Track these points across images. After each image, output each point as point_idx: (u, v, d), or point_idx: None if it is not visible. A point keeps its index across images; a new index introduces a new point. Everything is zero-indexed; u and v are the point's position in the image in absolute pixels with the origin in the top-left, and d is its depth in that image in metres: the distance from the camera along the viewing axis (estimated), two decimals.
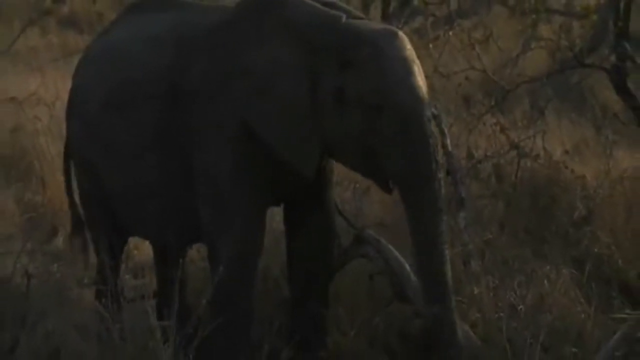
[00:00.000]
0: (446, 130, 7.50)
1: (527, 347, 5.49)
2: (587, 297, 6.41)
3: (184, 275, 6.51)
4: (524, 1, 11.81)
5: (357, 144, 5.70)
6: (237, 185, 5.90)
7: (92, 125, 6.40)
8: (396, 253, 6.39)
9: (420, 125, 5.58)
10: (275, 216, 6.30)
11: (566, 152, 8.23)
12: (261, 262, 6.17)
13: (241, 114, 5.81)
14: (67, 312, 6.05)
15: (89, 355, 5.68)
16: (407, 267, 6.31)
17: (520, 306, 6.14)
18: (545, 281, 6.41)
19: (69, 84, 6.86)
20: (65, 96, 6.95)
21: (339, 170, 6.48)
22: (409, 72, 5.61)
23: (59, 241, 8.26)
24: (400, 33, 5.76)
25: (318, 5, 5.84)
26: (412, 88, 5.59)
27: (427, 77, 8.26)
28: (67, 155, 6.87)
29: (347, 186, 7.39)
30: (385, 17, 15.74)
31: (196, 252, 7.03)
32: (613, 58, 7.06)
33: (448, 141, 7.46)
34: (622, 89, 6.98)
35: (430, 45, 9.84)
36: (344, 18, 5.73)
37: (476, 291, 6.36)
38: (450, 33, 10.07)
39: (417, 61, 5.69)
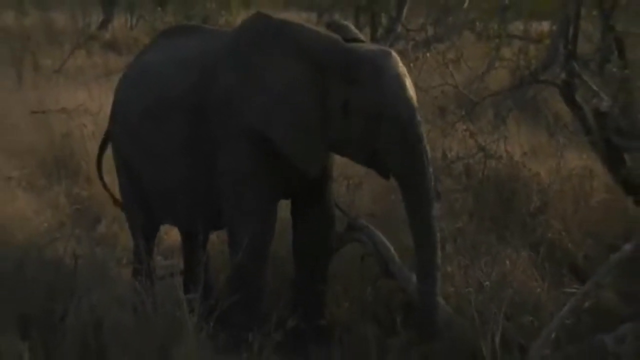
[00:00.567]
0: (425, 136, 7.49)
1: (492, 317, 5.46)
2: (542, 275, 6.39)
3: (206, 257, 6.49)
4: (489, 28, 11.78)
5: (361, 146, 5.77)
6: (254, 183, 5.92)
7: (132, 132, 6.39)
8: (383, 238, 6.41)
9: (413, 130, 5.66)
10: (282, 206, 6.27)
11: (524, 153, 8.19)
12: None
13: (259, 124, 5.81)
14: (108, 288, 6.03)
15: (126, 324, 5.66)
16: (392, 249, 6.32)
17: (486, 282, 6.11)
18: (507, 262, 6.38)
19: (110, 97, 6.85)
20: (107, 108, 6.94)
21: (334, 168, 6.46)
22: (402, 86, 5.69)
23: (102, 228, 8.26)
24: (394, 53, 5.82)
25: (322, 30, 5.89)
26: (406, 99, 5.68)
27: None
28: (102, 148, 6.89)
29: (341, 182, 7.36)
30: (373, 41, 15.75)
31: (216, 238, 7.00)
32: (563, 75, 7.03)
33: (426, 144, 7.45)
34: (571, 102, 6.96)
35: (411, 65, 9.78)
36: (346, 42, 5.77)
37: (449, 270, 6.35)
38: (428, 54, 10.05)
39: (408, 76, 5.77)
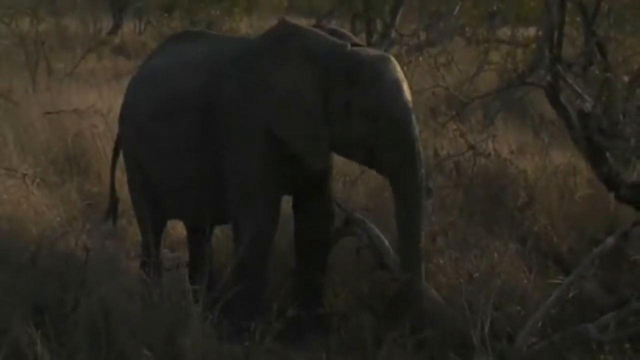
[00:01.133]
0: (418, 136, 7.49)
1: (481, 307, 5.45)
2: (529, 267, 6.40)
3: (211, 250, 6.48)
4: (478, 33, 11.75)
5: (360, 145, 5.79)
6: (260, 180, 5.92)
7: (142, 132, 6.38)
8: (378, 231, 6.40)
9: (408, 131, 5.71)
10: (283, 201, 6.26)
11: (512, 152, 8.18)
12: None
13: (266, 122, 5.82)
14: (117, 279, 6.01)
15: (134, 313, 5.65)
16: (386, 242, 6.32)
17: (476, 274, 6.11)
18: (496, 254, 6.38)
19: (120, 99, 6.83)
20: (117, 109, 6.93)
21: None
22: (400, 90, 5.73)
23: (111, 223, 8.22)
24: (392, 58, 5.86)
25: (327, 35, 5.90)
26: (403, 102, 5.72)
27: None
28: (116, 154, 6.86)
29: (338, 179, 7.35)
30: (369, 45, 15.72)
31: (220, 232, 6.98)
32: (549, 78, 7.01)
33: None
34: (556, 103, 6.93)
35: (405, 68, 9.78)
36: (348, 46, 5.78)
37: (441, 262, 6.35)
38: (420, 58, 10.03)
39: (405, 80, 5.80)
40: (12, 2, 15.34)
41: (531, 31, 11.55)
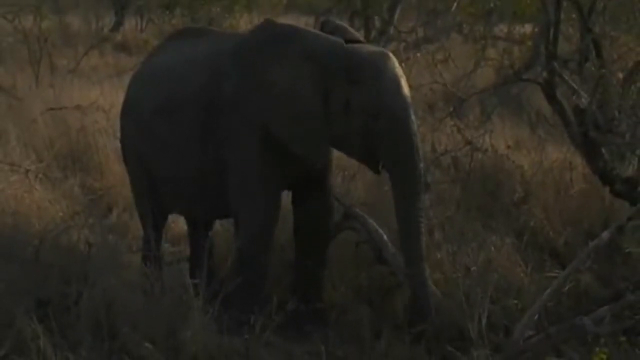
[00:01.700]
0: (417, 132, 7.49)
1: (478, 300, 5.45)
2: (525, 261, 6.39)
3: (211, 244, 6.47)
4: (475, 30, 11.75)
5: (359, 141, 5.78)
6: (260, 175, 5.91)
7: (144, 128, 6.37)
8: (376, 226, 6.38)
9: (408, 127, 5.69)
10: (282, 196, 6.26)
11: (508, 147, 8.17)
12: None
13: (264, 118, 5.81)
14: (119, 273, 6.02)
15: (136, 306, 5.64)
16: (385, 237, 6.31)
17: (473, 268, 6.11)
18: (492, 248, 6.39)
19: (121, 95, 6.82)
20: (119, 105, 6.92)
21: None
22: (399, 86, 5.72)
23: (114, 217, 8.24)
24: (391, 55, 5.84)
25: (325, 34, 5.89)
26: (402, 99, 5.71)
27: None
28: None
29: (337, 173, 7.34)
30: (367, 42, 15.71)
31: (220, 226, 6.98)
32: (545, 74, 7.01)
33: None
34: (551, 99, 6.94)
35: (403, 64, 9.78)
36: (348, 44, 5.79)
37: (439, 256, 6.34)
38: (418, 55, 10.04)
39: (403, 75, 5.79)
40: (16, 0, 15.33)
41: (527, 28, 11.56)
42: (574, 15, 7.61)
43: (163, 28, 17.15)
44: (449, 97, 9.17)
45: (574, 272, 5.82)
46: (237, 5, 17.29)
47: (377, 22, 16.23)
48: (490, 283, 5.59)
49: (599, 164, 6.79)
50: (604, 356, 5.17)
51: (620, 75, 7.19)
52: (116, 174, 8.75)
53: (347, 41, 5.86)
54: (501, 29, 12.53)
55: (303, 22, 16.30)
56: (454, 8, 13.17)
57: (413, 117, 5.74)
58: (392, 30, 15.24)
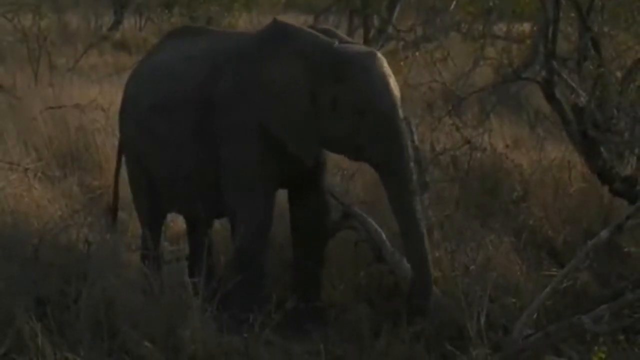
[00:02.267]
0: (414, 129, 7.47)
1: (477, 298, 5.45)
2: (524, 259, 6.40)
3: (210, 243, 6.47)
4: (474, 29, 11.75)
5: (347, 139, 5.77)
6: (254, 172, 5.92)
7: (141, 125, 6.38)
8: (375, 225, 6.39)
9: (396, 125, 5.69)
10: (280, 194, 6.26)
11: (507, 146, 8.19)
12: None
13: (259, 116, 5.83)
14: (119, 272, 6.01)
15: (135, 305, 5.64)
16: (384, 235, 6.31)
17: (472, 266, 6.12)
18: (491, 247, 6.38)
19: (120, 94, 6.82)
20: (118, 103, 6.92)
21: (330, 160, 6.44)
22: (386, 85, 5.71)
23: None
24: (379, 54, 5.85)
25: (318, 34, 5.90)
26: (390, 97, 5.70)
27: (399, 87, 8.25)
28: (121, 149, 6.85)
29: (336, 172, 7.35)
30: (366, 41, 15.72)
31: (219, 225, 6.97)
32: (544, 73, 7.01)
33: (415, 138, 7.42)
34: (550, 97, 6.94)
35: (402, 63, 9.83)
36: (336, 43, 5.79)
37: (437, 255, 6.33)
38: (417, 54, 10.05)
39: (392, 75, 5.78)
40: None
41: (526, 27, 11.56)
42: (572, 14, 7.60)
43: (162, 27, 17.14)
44: (448, 95, 9.18)
45: (572, 271, 5.82)
46: (236, 4, 17.28)
47: (376, 21, 16.23)
48: (489, 282, 5.59)
49: (597, 163, 6.79)
50: (603, 355, 5.17)
51: (619, 74, 7.20)
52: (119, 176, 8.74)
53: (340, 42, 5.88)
54: (500, 27, 12.53)
55: (302, 21, 16.32)
56: (452, 7, 13.17)
57: (401, 114, 5.73)
58: (391, 29, 15.24)
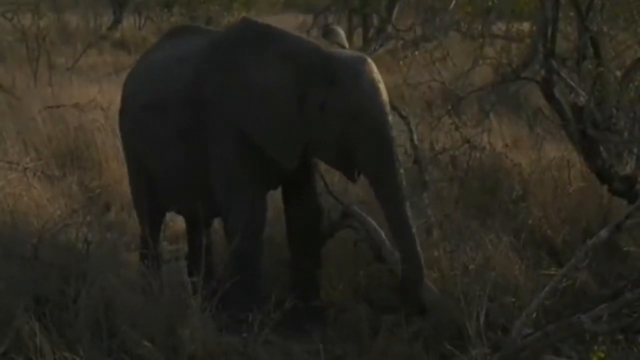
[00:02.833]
0: (414, 129, 7.51)
1: (476, 298, 5.44)
2: (523, 259, 6.38)
3: (209, 242, 6.48)
4: (473, 28, 11.74)
5: (334, 144, 5.74)
6: (241, 173, 5.93)
7: (136, 124, 6.42)
8: (375, 224, 6.39)
9: (385, 132, 5.66)
10: (277, 195, 6.26)
11: (506, 145, 8.19)
12: (267, 231, 6.15)
13: (241, 118, 5.83)
14: (118, 271, 6.01)
15: (135, 304, 5.64)
16: (383, 234, 6.30)
17: (471, 266, 6.11)
18: (490, 246, 6.38)
19: (119, 93, 6.83)
20: (117, 103, 6.93)
21: None
22: (376, 90, 5.68)
23: (112, 215, 8.25)
24: (369, 59, 5.81)
25: (304, 36, 5.95)
26: (379, 103, 5.67)
27: (398, 87, 8.27)
28: None
29: (335, 172, 7.31)
30: (365, 40, 15.75)
31: (218, 224, 6.97)
32: (543, 72, 7.00)
33: (415, 137, 7.46)
34: (550, 97, 6.93)
35: (401, 62, 9.82)
36: (326, 47, 5.78)
37: (436, 254, 6.33)
38: (417, 53, 10.04)
39: (381, 80, 5.75)
40: None
41: (526, 26, 11.55)
42: (572, 13, 7.59)
43: (161, 26, 17.16)
44: (447, 95, 9.18)
45: (572, 271, 5.81)
46: (235, 4, 17.30)
47: (375, 20, 16.25)
48: (488, 281, 5.58)
49: (597, 162, 6.78)
50: (602, 354, 5.17)
51: (618, 73, 7.19)
52: (114, 172, 8.75)
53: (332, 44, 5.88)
54: (499, 27, 12.52)
55: (301, 20, 16.33)
56: (452, 6, 13.17)
57: (390, 121, 5.71)
58: (390, 29, 15.27)
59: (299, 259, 6.25)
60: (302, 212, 6.22)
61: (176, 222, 7.59)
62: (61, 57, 15.30)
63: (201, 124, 5.99)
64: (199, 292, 5.52)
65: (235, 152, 5.90)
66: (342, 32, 6.18)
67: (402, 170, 5.73)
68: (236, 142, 5.88)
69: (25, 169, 8.01)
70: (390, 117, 5.73)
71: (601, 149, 6.82)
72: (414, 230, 5.76)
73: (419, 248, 5.75)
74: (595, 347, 5.24)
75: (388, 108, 5.72)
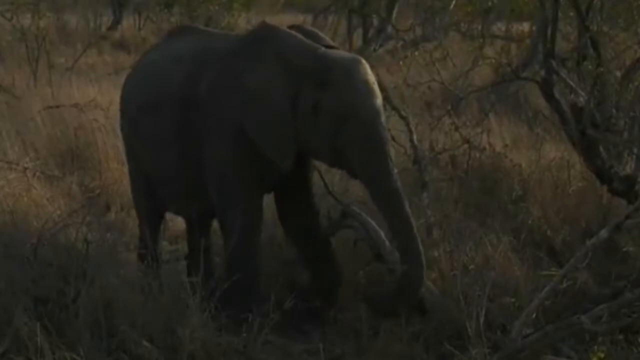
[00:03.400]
0: (413, 129, 7.50)
1: (476, 298, 5.44)
2: (523, 259, 6.39)
3: (209, 242, 6.47)
4: (473, 29, 11.77)
5: (328, 145, 5.72)
6: (236, 175, 5.91)
7: (135, 124, 6.42)
8: (374, 224, 6.37)
9: (377, 131, 5.64)
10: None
11: (506, 145, 8.18)
12: (267, 231, 6.15)
13: (237, 119, 5.81)
14: (117, 271, 6.00)
15: (134, 304, 5.63)
16: (383, 234, 6.29)
17: (471, 266, 6.12)
18: (490, 246, 6.38)
19: (119, 93, 6.83)
20: (116, 103, 6.94)
21: None
22: (370, 92, 5.67)
23: (112, 215, 8.25)
24: (363, 60, 5.80)
25: (302, 37, 5.87)
26: (372, 104, 5.66)
27: (398, 87, 8.27)
28: None
29: (335, 172, 7.32)
30: (365, 41, 15.76)
31: (217, 224, 6.98)
32: (542, 72, 7.01)
33: (415, 137, 7.45)
34: (549, 97, 6.94)
35: (401, 63, 9.82)
36: (321, 48, 5.77)
37: (436, 254, 6.33)
38: (416, 53, 10.03)
39: (375, 82, 5.74)
40: None
41: (525, 26, 11.58)
42: (571, 14, 7.60)
43: (161, 26, 17.15)
44: (446, 95, 9.18)
45: (571, 271, 5.81)
46: (235, 4, 17.29)
47: (375, 20, 16.26)
48: (488, 281, 5.58)
49: (596, 162, 6.79)
50: (602, 354, 5.17)
51: (618, 74, 7.19)
52: (114, 172, 8.75)
53: (325, 47, 5.85)
54: (499, 27, 12.56)
55: (301, 20, 16.32)
56: (451, 6, 13.19)
57: (383, 122, 5.70)
58: (390, 29, 15.27)
59: (308, 258, 6.26)
60: (297, 215, 6.20)
61: (176, 222, 7.59)
62: (61, 57, 15.30)
63: (196, 125, 5.98)
64: (198, 292, 5.52)
65: (229, 154, 5.89)
66: (320, 33, 6.15)
67: (396, 171, 5.71)
68: (232, 145, 5.87)
69: (25, 169, 8.01)
70: (384, 118, 5.72)
71: (601, 149, 6.83)
72: (415, 230, 5.74)
73: (420, 247, 5.73)
74: (595, 347, 5.25)
75: (382, 109, 5.71)
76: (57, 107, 9.90)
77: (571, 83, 7.34)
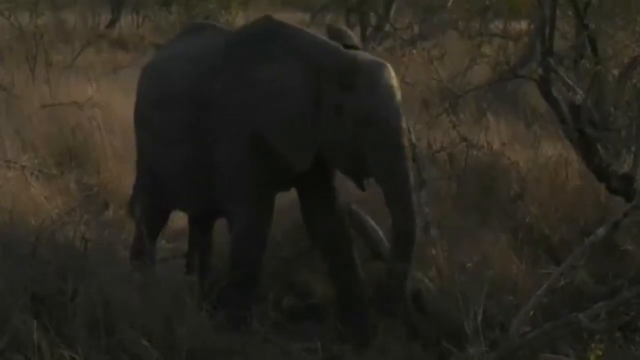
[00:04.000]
0: (411, 128, 7.49)
1: (474, 296, 5.44)
2: (520, 257, 6.39)
3: (209, 242, 6.47)
4: (471, 27, 11.74)
5: (347, 149, 5.70)
6: (248, 175, 5.85)
7: (145, 122, 6.39)
8: (372, 222, 6.37)
9: (398, 138, 5.64)
10: (279, 194, 6.24)
11: (504, 144, 8.17)
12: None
13: (251, 118, 5.76)
14: (116, 269, 6.00)
15: (132, 302, 5.63)
16: (381, 233, 6.30)
17: (469, 264, 6.11)
18: (488, 244, 6.38)
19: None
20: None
21: None
22: (393, 97, 5.66)
23: (110, 213, 8.24)
24: (388, 65, 5.76)
25: (320, 35, 5.83)
26: (395, 110, 5.65)
27: None
28: None
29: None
30: (363, 39, 15.74)
31: (217, 223, 6.97)
32: (540, 71, 7.00)
33: (413, 136, 7.44)
34: (547, 95, 6.93)
35: (403, 59, 9.80)
36: (342, 48, 5.72)
37: (434, 252, 6.33)
38: (414, 51, 10.02)
39: (399, 87, 5.73)
40: None
41: (523, 25, 11.56)
42: (569, 12, 7.60)
43: (160, 25, 17.14)
44: (444, 93, 9.15)
45: (569, 269, 5.82)
46: (233, 2, 17.29)
47: (373, 19, 16.25)
48: (486, 279, 5.58)
49: (594, 161, 6.78)
50: (600, 352, 5.17)
51: (616, 72, 7.19)
52: (112, 170, 8.75)
53: (347, 47, 5.79)
54: (497, 25, 12.53)
55: (299, 18, 16.32)
56: (449, 5, 13.18)
57: (405, 127, 5.71)
58: (388, 27, 15.26)
59: (333, 268, 6.13)
60: (323, 215, 6.09)
61: (175, 220, 7.58)
62: (59, 56, 15.25)
63: (207, 123, 5.93)
64: (197, 291, 5.51)
65: (242, 153, 5.83)
66: (351, 33, 6.11)
67: (412, 178, 5.72)
68: (244, 142, 5.81)
69: (23, 167, 8.00)
70: (405, 123, 5.73)
71: (599, 147, 6.82)
72: (415, 231, 5.75)
73: (414, 249, 5.71)
74: (593, 345, 5.24)
75: (402, 115, 5.71)
76: (55, 105, 9.89)
77: (569, 81, 7.33)
